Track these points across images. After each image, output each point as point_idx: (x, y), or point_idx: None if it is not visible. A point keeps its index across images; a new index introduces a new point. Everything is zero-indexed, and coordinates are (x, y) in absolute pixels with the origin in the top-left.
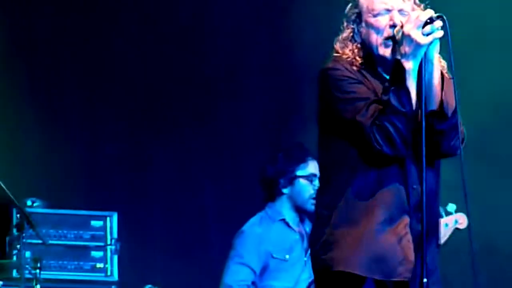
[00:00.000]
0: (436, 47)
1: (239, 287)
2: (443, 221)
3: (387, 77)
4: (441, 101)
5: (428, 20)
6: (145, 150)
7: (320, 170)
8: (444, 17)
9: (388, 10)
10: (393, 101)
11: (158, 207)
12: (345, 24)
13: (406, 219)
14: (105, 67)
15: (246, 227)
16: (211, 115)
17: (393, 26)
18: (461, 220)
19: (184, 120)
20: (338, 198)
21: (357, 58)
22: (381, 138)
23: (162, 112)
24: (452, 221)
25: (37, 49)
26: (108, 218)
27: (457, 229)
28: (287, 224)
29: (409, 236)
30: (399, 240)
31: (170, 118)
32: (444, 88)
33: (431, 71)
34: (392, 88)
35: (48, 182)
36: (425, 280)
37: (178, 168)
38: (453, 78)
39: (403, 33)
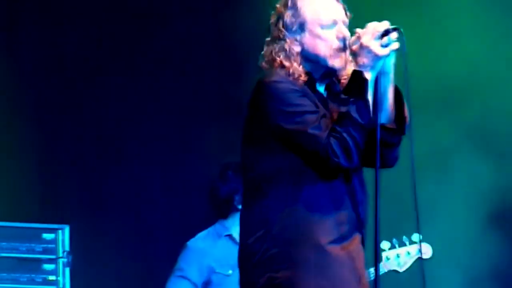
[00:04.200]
0: (392, 59)
1: None
2: (405, 249)
3: (323, 92)
4: (401, 115)
5: (384, 32)
6: (97, 163)
7: (249, 184)
8: (401, 29)
9: (335, 22)
10: (353, 112)
11: (111, 220)
12: (283, 32)
13: (358, 236)
14: (46, 83)
15: (190, 241)
16: (163, 128)
17: (342, 38)
18: (425, 250)
19: (137, 133)
20: (279, 212)
21: (302, 74)
22: (339, 150)
23: (114, 126)
24: (415, 250)
25: None
26: (59, 231)
27: (420, 258)
28: (233, 240)
29: (362, 254)
30: (352, 260)
31: (122, 132)
32: (402, 101)
33: (387, 84)
34: (352, 99)
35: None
36: None
37: (131, 181)
38: (407, 90)
39: (361, 44)
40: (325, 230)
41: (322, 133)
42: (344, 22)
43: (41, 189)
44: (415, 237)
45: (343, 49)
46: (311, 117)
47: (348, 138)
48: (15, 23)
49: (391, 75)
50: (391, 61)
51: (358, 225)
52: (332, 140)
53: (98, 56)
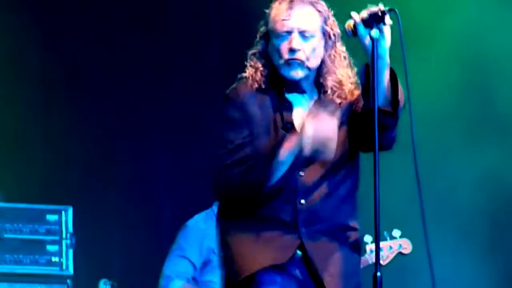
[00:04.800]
0: (387, 42)
1: (178, 278)
2: (387, 244)
3: (289, 97)
4: (395, 98)
5: (380, 14)
6: (101, 144)
7: None
8: (396, 10)
9: (289, 33)
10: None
11: (114, 201)
12: (257, 38)
13: (290, 235)
14: (55, 62)
15: (190, 222)
16: (167, 108)
17: (291, 50)
18: (405, 245)
19: (142, 114)
20: (230, 219)
21: (257, 79)
22: (221, 190)
23: (120, 105)
24: (396, 245)
25: None
26: (63, 212)
27: (400, 253)
28: None
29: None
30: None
31: (128, 111)
32: (397, 84)
33: (382, 67)
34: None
35: (3, 176)
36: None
37: (135, 162)
38: (405, 73)
39: None
40: (256, 231)
41: (227, 167)
42: (304, 32)
43: (44, 170)
44: (396, 232)
45: (292, 60)
46: (225, 150)
47: (229, 180)
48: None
49: (387, 58)
50: (386, 44)
51: (295, 225)
52: (225, 171)
53: (101, 39)
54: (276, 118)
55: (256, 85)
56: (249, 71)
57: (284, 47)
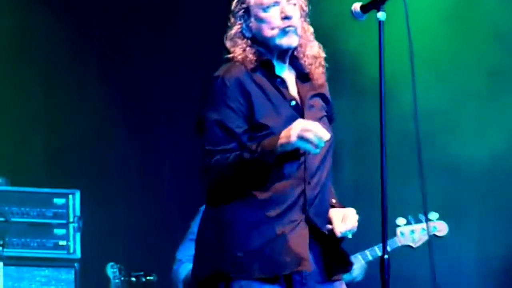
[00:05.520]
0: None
1: (188, 261)
2: (420, 226)
3: (284, 71)
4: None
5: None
6: (107, 128)
7: None
8: None
9: (277, 2)
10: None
11: (121, 185)
12: (232, 20)
13: (296, 216)
14: (59, 47)
15: (203, 206)
16: (174, 93)
17: (285, 17)
18: (441, 228)
19: (147, 98)
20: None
21: (250, 56)
22: (209, 178)
23: (126, 89)
24: (430, 227)
25: None
26: (70, 196)
27: (435, 235)
28: None
29: (298, 231)
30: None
31: (133, 96)
32: None
33: None
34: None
35: (10, 160)
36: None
37: (141, 146)
38: (412, 70)
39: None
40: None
41: (214, 153)
42: (289, 0)
43: (52, 154)
44: (432, 215)
45: (288, 27)
46: (216, 133)
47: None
48: None
49: None
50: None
51: (302, 204)
52: (211, 166)
53: (105, 25)
54: (275, 95)
55: (251, 65)
56: (239, 53)
57: (274, 16)
